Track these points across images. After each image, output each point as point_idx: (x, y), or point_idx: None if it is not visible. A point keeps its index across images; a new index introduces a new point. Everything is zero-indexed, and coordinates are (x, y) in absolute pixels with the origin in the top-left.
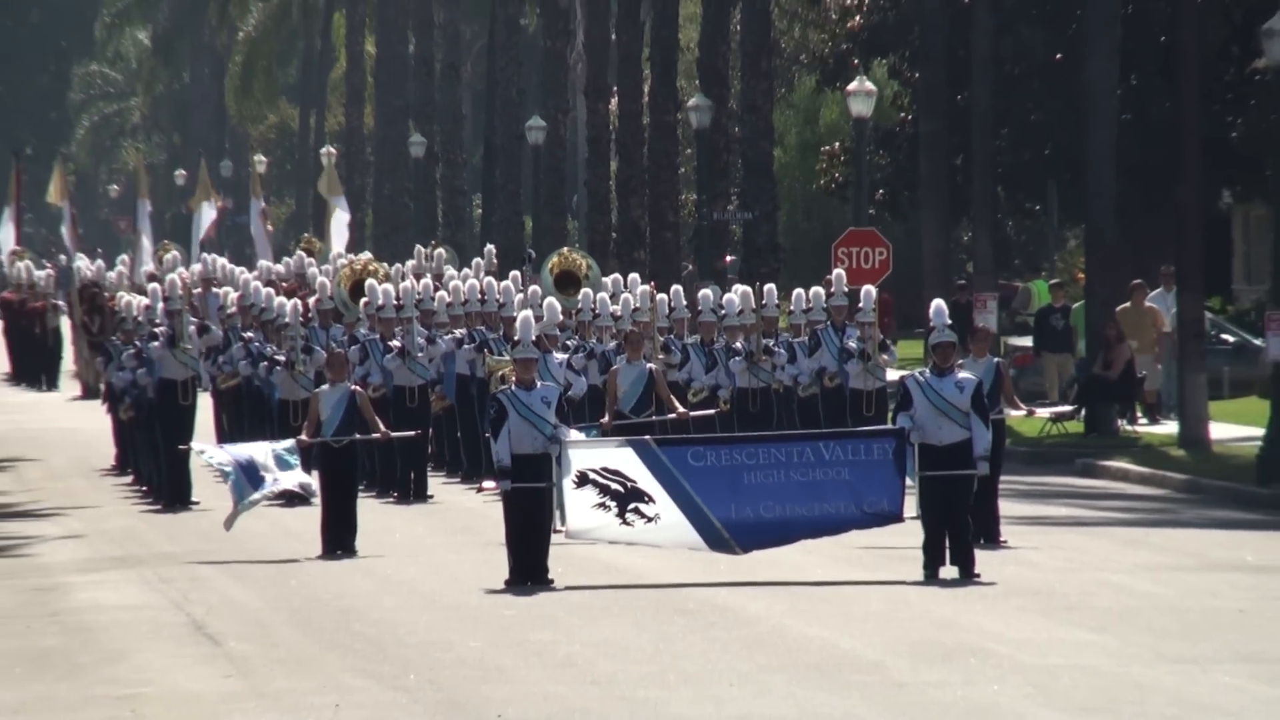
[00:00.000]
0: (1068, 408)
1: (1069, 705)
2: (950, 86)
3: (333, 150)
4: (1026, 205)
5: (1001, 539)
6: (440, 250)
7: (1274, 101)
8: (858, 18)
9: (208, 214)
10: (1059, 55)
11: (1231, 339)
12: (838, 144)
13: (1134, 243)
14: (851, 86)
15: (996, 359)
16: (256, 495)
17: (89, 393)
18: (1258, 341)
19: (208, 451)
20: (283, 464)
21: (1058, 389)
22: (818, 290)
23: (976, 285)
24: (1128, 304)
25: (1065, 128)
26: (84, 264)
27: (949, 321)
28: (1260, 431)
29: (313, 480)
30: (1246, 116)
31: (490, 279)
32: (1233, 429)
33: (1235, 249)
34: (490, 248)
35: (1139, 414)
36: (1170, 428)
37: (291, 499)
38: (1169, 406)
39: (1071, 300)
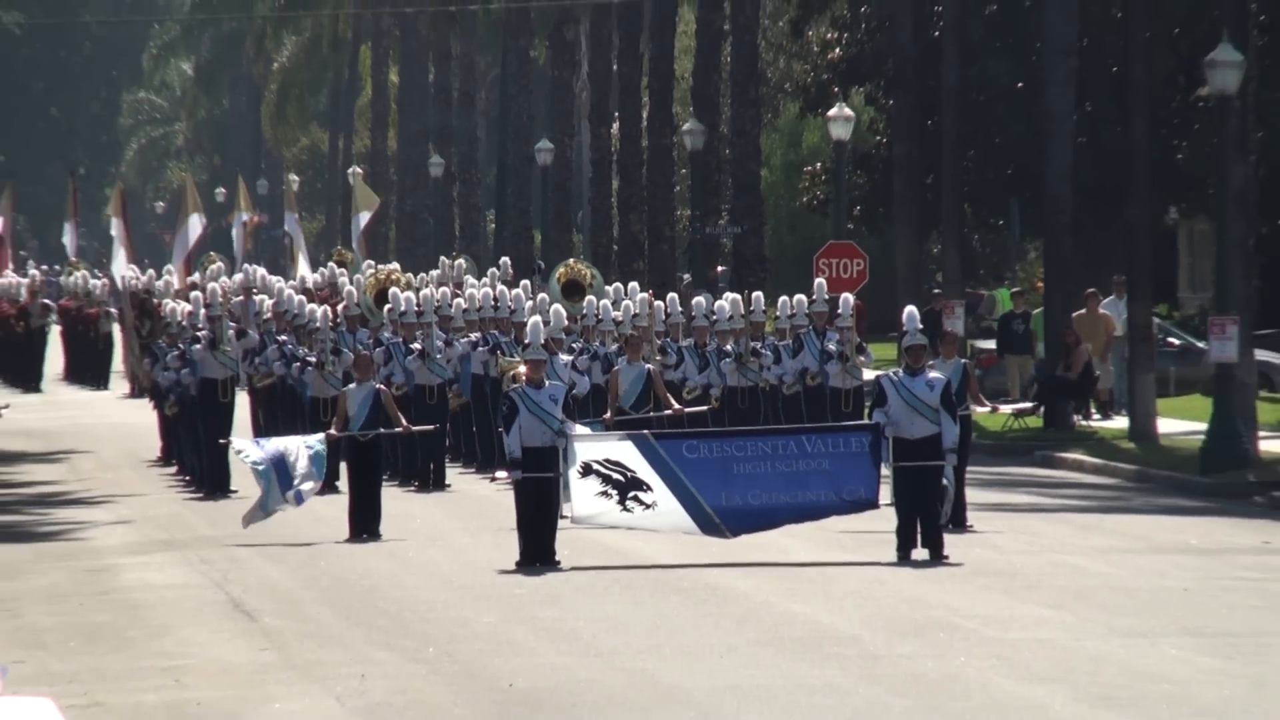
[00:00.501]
0: (1028, 404)
1: (1029, 675)
2: (921, 113)
3: (359, 170)
4: (991, 220)
5: (968, 524)
6: (461, 261)
7: (1216, 126)
8: (837, 50)
9: (236, 225)
10: (1020, 84)
11: (1177, 342)
12: (819, 165)
13: (1089, 254)
14: (831, 112)
15: (963, 360)
16: (279, 505)
17: (137, 391)
18: (1201, 344)
19: (245, 450)
20: (316, 461)
21: (1019, 387)
22: (800, 297)
23: (945, 293)
24: (1083, 310)
25: (1026, 150)
26: (130, 273)
27: (920, 326)
28: (1203, 426)
29: (316, 486)
30: (1191, 140)
31: (504, 287)
32: (1178, 424)
33: (1181, 260)
34: (505, 260)
35: (1093, 410)
36: (1121, 423)
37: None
38: (1120, 403)
39: (1032, 307)
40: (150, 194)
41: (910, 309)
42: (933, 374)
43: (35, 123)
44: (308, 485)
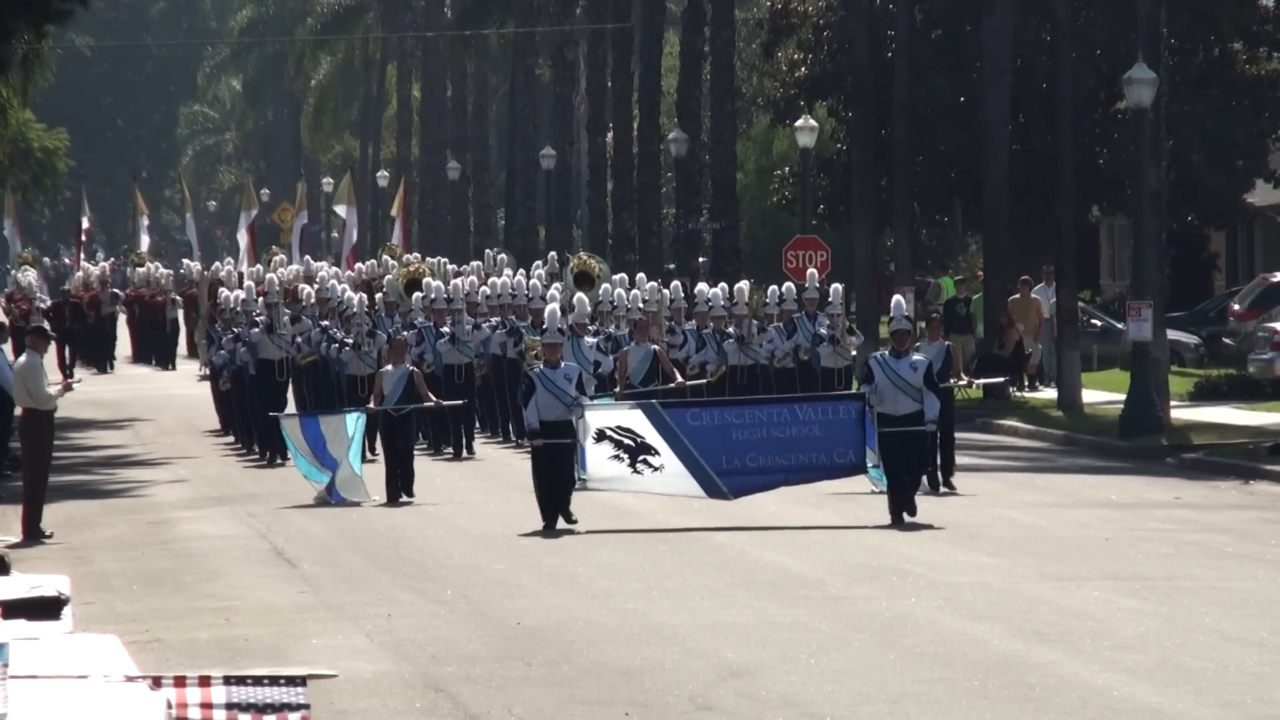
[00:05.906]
0: (965, 380)
1: (971, 614)
2: (876, 123)
3: (386, 173)
4: (937, 217)
5: (952, 484)
6: (503, 255)
7: (1132, 135)
8: (803, 69)
9: (298, 224)
10: (962, 99)
11: (1099, 323)
12: (787, 168)
13: (1022, 247)
14: (798, 123)
15: (947, 343)
16: (322, 487)
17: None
18: (1120, 325)
19: (291, 437)
20: (355, 436)
21: (961, 364)
22: (790, 286)
23: (896, 280)
24: (1017, 295)
25: (967, 156)
26: (199, 264)
27: (906, 313)
28: (1122, 397)
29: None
30: (1111, 147)
31: (521, 279)
32: (1100, 395)
33: (1102, 252)
34: (553, 254)
35: (1026, 383)
36: (1050, 394)
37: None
38: (1049, 377)
39: (972, 293)
40: (204, 194)
41: (897, 298)
42: (916, 356)
43: (104, 133)
44: (349, 453)
